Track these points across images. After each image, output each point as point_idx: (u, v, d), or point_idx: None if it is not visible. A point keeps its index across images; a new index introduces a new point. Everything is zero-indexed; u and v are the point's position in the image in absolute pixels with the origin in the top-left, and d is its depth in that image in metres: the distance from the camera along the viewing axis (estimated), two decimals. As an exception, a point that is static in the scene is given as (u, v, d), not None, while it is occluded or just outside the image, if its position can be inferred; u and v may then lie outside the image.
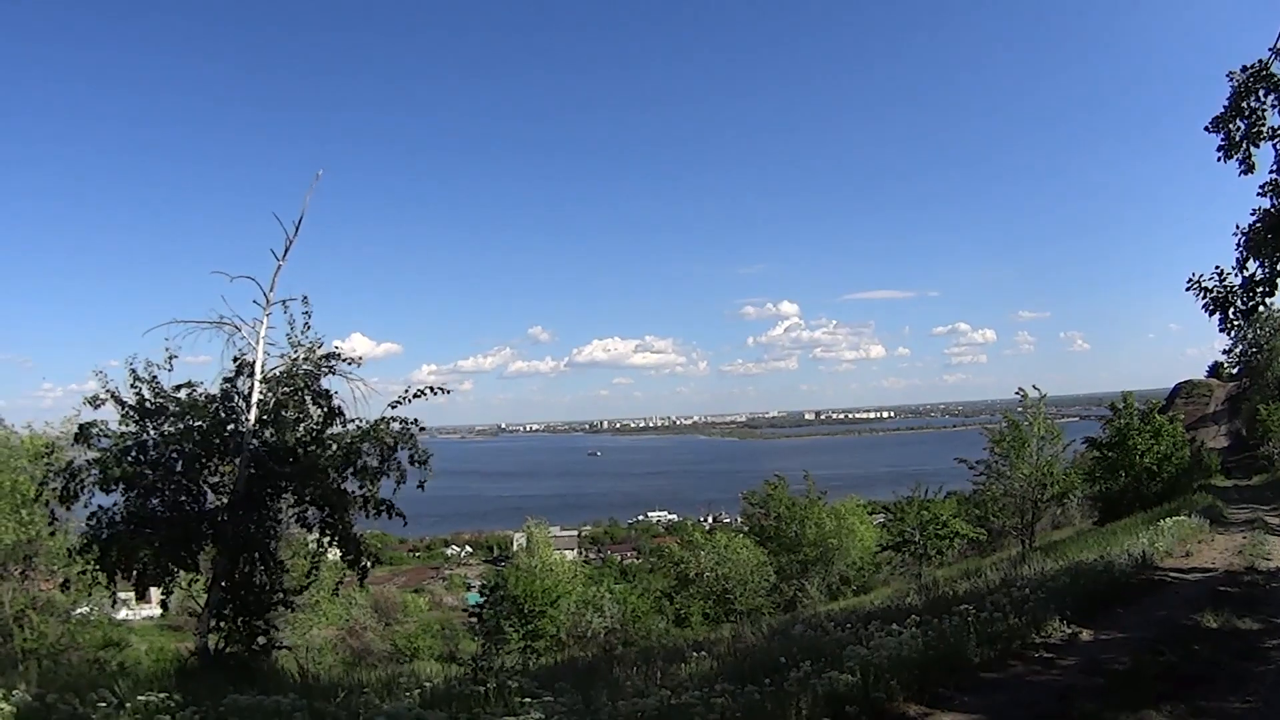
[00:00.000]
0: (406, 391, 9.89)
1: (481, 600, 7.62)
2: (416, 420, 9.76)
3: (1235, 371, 63.07)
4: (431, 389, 9.92)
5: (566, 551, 62.77)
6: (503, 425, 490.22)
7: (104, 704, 5.53)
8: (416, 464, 9.66)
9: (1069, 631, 8.99)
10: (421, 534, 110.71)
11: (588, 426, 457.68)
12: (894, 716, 6.25)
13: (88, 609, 19.77)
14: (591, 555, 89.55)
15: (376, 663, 30.23)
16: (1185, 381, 75.19)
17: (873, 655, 6.84)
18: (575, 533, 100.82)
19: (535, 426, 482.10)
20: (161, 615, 38.40)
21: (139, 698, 5.56)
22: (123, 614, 22.26)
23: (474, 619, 7.49)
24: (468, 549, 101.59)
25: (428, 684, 6.70)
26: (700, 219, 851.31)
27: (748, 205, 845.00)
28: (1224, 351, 60.73)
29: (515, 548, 42.05)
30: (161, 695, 5.63)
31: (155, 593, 9.64)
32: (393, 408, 9.80)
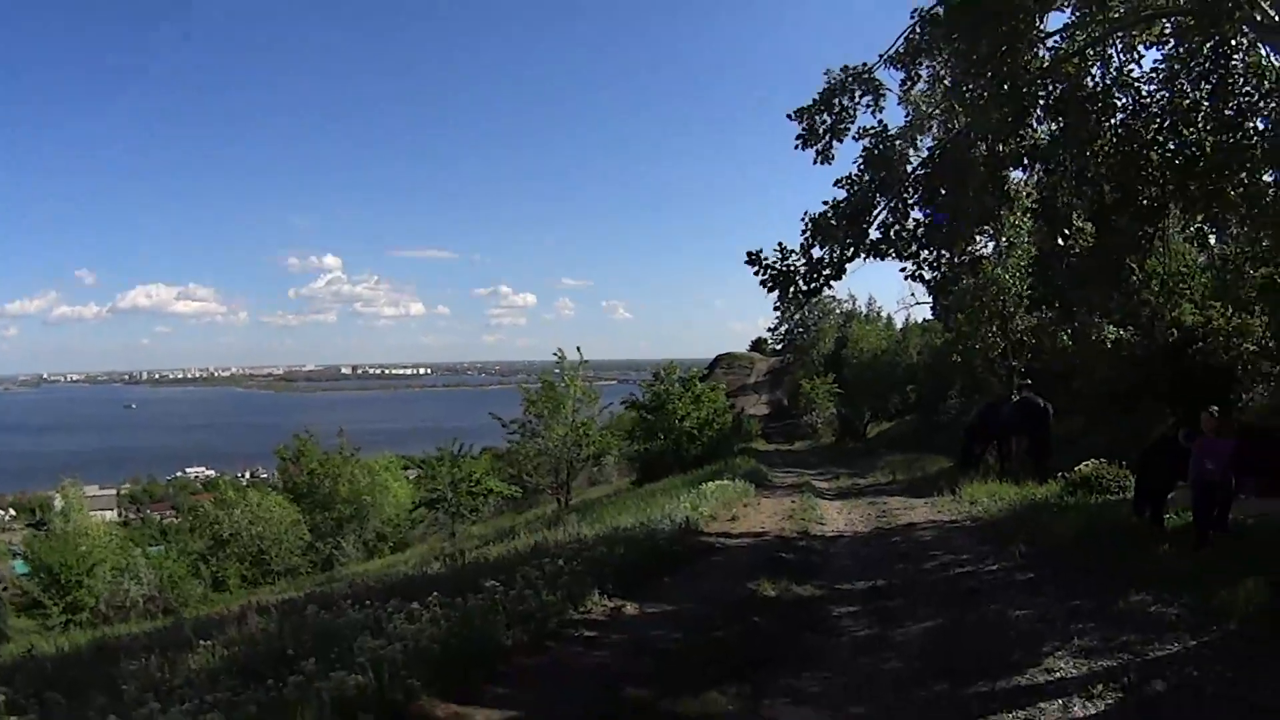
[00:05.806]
0: None
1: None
2: None
3: (779, 348, 69.12)
4: None
5: (106, 512, 56.59)
6: (45, 375, 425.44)
7: None
8: None
9: (612, 606, 8.31)
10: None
11: (127, 377, 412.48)
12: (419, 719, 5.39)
13: None
14: (132, 515, 78.89)
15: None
16: (726, 353, 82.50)
17: (388, 647, 5.95)
18: (114, 491, 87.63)
19: (76, 377, 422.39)
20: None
21: None
22: None
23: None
24: (11, 512, 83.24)
25: None
26: (248, 160, 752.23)
27: (298, 151, 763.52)
28: (769, 329, 67.21)
29: (56, 509, 36.15)
30: None
31: None
32: None
